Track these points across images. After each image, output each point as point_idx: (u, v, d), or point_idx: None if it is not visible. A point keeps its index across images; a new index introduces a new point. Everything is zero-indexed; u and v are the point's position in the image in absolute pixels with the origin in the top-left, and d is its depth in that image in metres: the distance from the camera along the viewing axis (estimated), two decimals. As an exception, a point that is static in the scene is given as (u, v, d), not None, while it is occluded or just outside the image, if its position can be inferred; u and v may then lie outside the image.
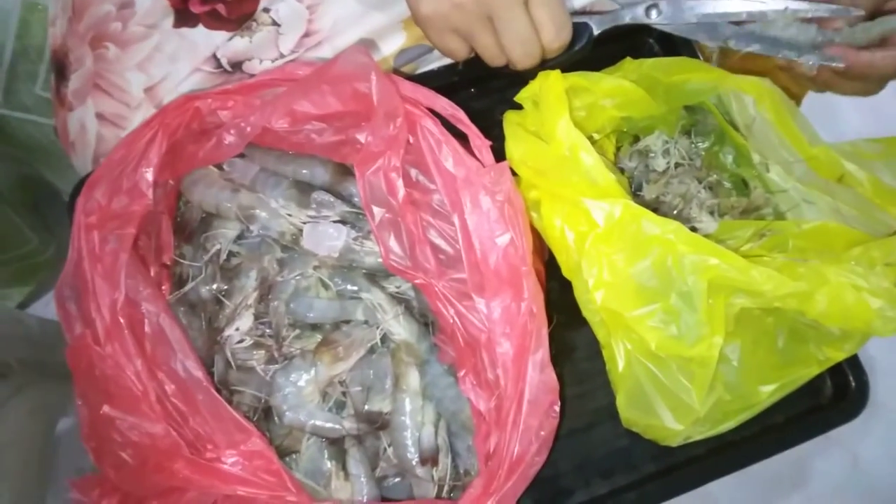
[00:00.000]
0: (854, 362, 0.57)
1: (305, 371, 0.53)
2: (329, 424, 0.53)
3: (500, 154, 0.52)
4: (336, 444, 0.53)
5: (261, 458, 0.47)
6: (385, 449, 0.53)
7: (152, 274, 0.55)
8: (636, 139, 0.62)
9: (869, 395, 0.57)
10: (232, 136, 0.53)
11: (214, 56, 0.62)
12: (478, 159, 0.50)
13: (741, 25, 0.55)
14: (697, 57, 0.63)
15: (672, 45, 0.65)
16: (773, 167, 0.57)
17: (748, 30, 0.54)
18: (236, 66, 0.63)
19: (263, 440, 0.48)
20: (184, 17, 0.63)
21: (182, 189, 0.57)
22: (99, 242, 0.49)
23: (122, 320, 0.47)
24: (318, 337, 0.54)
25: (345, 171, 0.56)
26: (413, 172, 0.52)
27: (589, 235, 0.48)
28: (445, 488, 0.52)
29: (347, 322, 0.54)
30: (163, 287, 0.57)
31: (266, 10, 0.63)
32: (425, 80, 0.59)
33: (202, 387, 0.48)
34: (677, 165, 0.60)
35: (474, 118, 0.51)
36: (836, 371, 0.57)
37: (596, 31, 0.56)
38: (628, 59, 0.58)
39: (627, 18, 0.56)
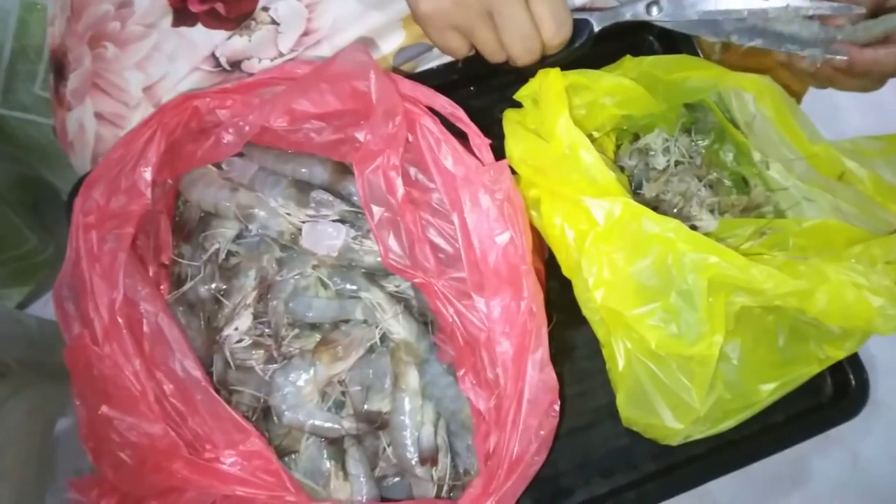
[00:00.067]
0: (854, 361, 0.57)
1: (304, 371, 0.52)
2: (328, 424, 0.52)
3: (499, 152, 0.52)
4: (335, 444, 0.53)
5: (260, 458, 0.47)
6: (384, 448, 0.53)
7: (151, 273, 0.55)
8: (636, 137, 0.62)
9: (869, 393, 0.57)
10: (230, 135, 0.53)
11: (213, 55, 0.62)
12: (477, 158, 0.50)
13: (743, 21, 0.54)
14: (697, 54, 0.63)
15: (672, 42, 0.65)
16: (774, 165, 0.57)
17: (750, 24, 0.54)
18: (235, 65, 0.62)
19: (262, 440, 0.48)
20: (182, 16, 0.63)
21: (181, 188, 0.57)
22: (97, 242, 0.49)
23: (120, 320, 0.47)
24: (318, 336, 0.54)
25: (344, 170, 0.56)
26: (412, 171, 0.52)
27: (589, 234, 0.48)
28: (445, 488, 0.52)
29: (346, 321, 0.54)
30: (161, 287, 0.56)
31: (265, 9, 0.62)
32: (424, 78, 0.59)
33: (201, 386, 0.48)
34: (677, 163, 0.60)
35: (474, 116, 0.51)
36: (837, 369, 0.57)
37: (596, 28, 0.55)
38: (628, 56, 0.58)
39: (628, 15, 0.56)
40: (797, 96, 0.71)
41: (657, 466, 0.56)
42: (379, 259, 0.51)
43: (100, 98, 0.64)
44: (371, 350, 0.54)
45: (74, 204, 0.50)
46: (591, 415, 0.57)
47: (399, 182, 0.49)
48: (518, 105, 0.55)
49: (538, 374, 0.46)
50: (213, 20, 0.63)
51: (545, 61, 0.54)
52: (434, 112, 0.51)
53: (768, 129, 0.56)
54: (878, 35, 0.52)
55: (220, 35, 0.62)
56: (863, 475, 1.21)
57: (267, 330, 0.55)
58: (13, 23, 0.78)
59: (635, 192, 0.59)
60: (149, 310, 0.49)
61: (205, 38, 0.62)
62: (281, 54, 0.63)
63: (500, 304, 0.47)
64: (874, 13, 0.53)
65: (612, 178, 0.49)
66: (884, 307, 0.46)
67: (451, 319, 0.49)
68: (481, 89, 0.65)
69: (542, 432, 0.46)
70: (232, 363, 0.54)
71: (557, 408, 0.47)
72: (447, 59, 0.64)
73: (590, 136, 0.55)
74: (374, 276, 0.55)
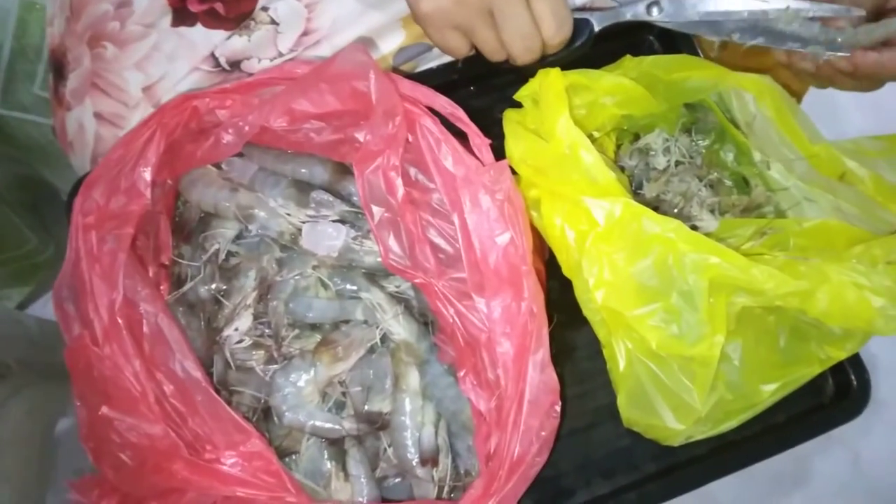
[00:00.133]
0: (856, 361, 0.57)
1: (305, 371, 0.52)
2: (329, 425, 0.52)
3: (499, 152, 0.52)
4: (336, 445, 0.53)
5: (260, 458, 0.47)
6: (385, 449, 0.53)
7: (151, 274, 0.55)
8: (636, 137, 0.61)
9: (871, 393, 0.57)
10: (230, 135, 0.53)
11: (213, 55, 0.62)
12: (477, 158, 0.50)
13: (744, 20, 0.54)
14: (698, 54, 0.63)
15: (672, 42, 0.65)
16: (774, 165, 0.57)
17: (752, 23, 0.54)
18: (235, 65, 0.62)
19: (263, 441, 0.48)
20: (182, 16, 0.63)
21: (180, 189, 0.57)
22: (97, 242, 0.49)
23: (120, 321, 0.47)
24: (318, 337, 0.54)
25: (344, 171, 0.56)
26: (412, 171, 0.52)
27: (589, 234, 0.48)
28: (446, 489, 0.52)
29: (347, 322, 0.54)
30: (161, 287, 0.56)
31: (264, 9, 0.62)
32: (424, 78, 0.59)
33: (201, 387, 0.48)
34: (678, 163, 0.60)
35: (474, 116, 0.51)
36: (838, 370, 0.57)
37: (597, 28, 0.55)
38: (628, 56, 0.58)
39: (629, 15, 0.56)
40: (798, 96, 0.70)
41: (658, 467, 0.56)
42: (379, 259, 0.51)
43: (99, 98, 0.64)
44: (371, 350, 0.54)
45: (74, 204, 0.50)
46: (592, 415, 0.57)
47: (399, 182, 0.48)
48: (518, 105, 0.55)
49: (539, 375, 0.46)
50: (213, 20, 0.63)
51: (545, 61, 0.54)
52: (434, 112, 0.51)
53: (769, 129, 0.56)
54: (880, 38, 0.51)
55: (219, 35, 0.62)
56: (864, 475, 1.21)
57: (267, 330, 0.55)
58: (12, 23, 0.78)
59: (636, 192, 0.59)
60: (149, 310, 0.49)
61: (204, 38, 0.62)
62: (280, 54, 0.62)
63: (500, 304, 0.47)
64: (875, 15, 0.53)
65: (612, 179, 0.49)
66: (885, 308, 0.45)
67: (451, 320, 0.49)
68: (481, 89, 0.65)
69: (543, 433, 0.46)
70: (232, 364, 0.54)
71: (558, 409, 0.47)
72: (447, 58, 0.64)
73: (590, 136, 0.55)
74: (375, 276, 0.55)
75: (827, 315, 0.46)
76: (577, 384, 0.57)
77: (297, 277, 0.54)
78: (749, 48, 0.55)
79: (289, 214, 0.54)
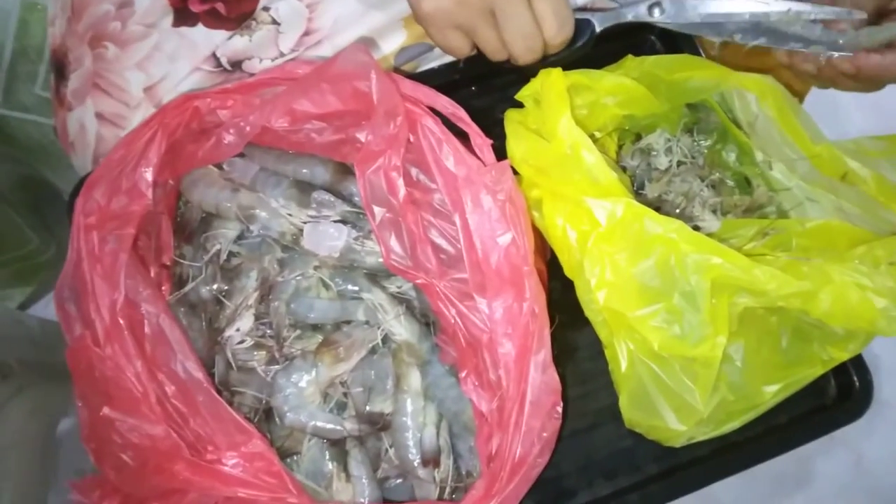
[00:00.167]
0: (858, 362, 0.57)
1: (306, 372, 0.52)
2: (330, 425, 0.52)
3: (501, 153, 0.52)
4: (337, 446, 0.53)
5: (262, 459, 0.47)
6: (386, 450, 0.53)
7: (152, 274, 0.55)
8: (638, 137, 0.61)
9: (873, 394, 0.57)
10: (231, 135, 0.53)
11: (214, 55, 0.62)
12: (479, 158, 0.50)
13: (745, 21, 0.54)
14: (700, 54, 0.63)
15: (674, 42, 0.65)
16: (776, 165, 0.57)
17: (754, 24, 0.54)
18: (236, 65, 0.62)
19: (264, 441, 0.47)
20: (183, 16, 0.63)
21: (182, 189, 0.57)
22: (98, 243, 0.49)
23: (121, 321, 0.47)
24: (319, 337, 0.54)
25: (345, 171, 0.55)
26: (414, 171, 0.52)
27: (591, 235, 0.48)
28: (447, 490, 0.52)
29: (348, 322, 0.54)
30: (163, 287, 0.56)
31: (266, 9, 0.62)
32: (426, 78, 0.59)
33: (202, 388, 0.48)
34: (680, 164, 0.60)
35: (475, 116, 0.51)
36: (841, 371, 0.57)
37: (598, 29, 0.55)
38: (630, 56, 0.58)
39: (630, 16, 0.56)
40: (800, 96, 0.70)
41: (660, 468, 0.56)
42: (380, 260, 0.51)
43: (101, 98, 0.64)
44: (373, 351, 0.54)
45: (75, 205, 0.50)
46: (593, 416, 0.57)
47: (400, 182, 0.48)
48: (520, 105, 0.55)
49: (541, 376, 0.46)
50: (214, 20, 0.63)
51: (546, 61, 0.54)
52: (435, 112, 0.51)
53: (771, 129, 0.56)
54: (882, 42, 0.51)
55: (220, 35, 0.62)
56: (866, 476, 1.21)
57: (268, 331, 0.55)
58: (14, 23, 0.78)
59: (637, 192, 0.59)
60: (150, 311, 0.49)
61: (205, 38, 0.62)
62: (282, 54, 0.62)
63: (502, 305, 0.47)
64: (877, 16, 0.53)
65: (614, 179, 0.49)
66: (887, 308, 0.45)
67: (452, 320, 0.49)
68: (483, 89, 0.65)
69: (544, 434, 0.46)
70: (233, 364, 0.54)
71: (560, 409, 0.46)
72: (448, 58, 0.64)
73: (592, 137, 0.54)
74: (376, 276, 0.55)
75: (829, 316, 0.46)
76: (578, 385, 0.57)
77: (298, 278, 0.54)
78: (751, 48, 0.54)
79: (290, 215, 0.54)
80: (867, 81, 0.54)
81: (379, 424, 0.52)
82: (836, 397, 0.58)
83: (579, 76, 0.54)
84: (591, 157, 0.49)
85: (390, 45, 0.64)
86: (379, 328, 0.53)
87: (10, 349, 0.79)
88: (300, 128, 0.53)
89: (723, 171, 0.59)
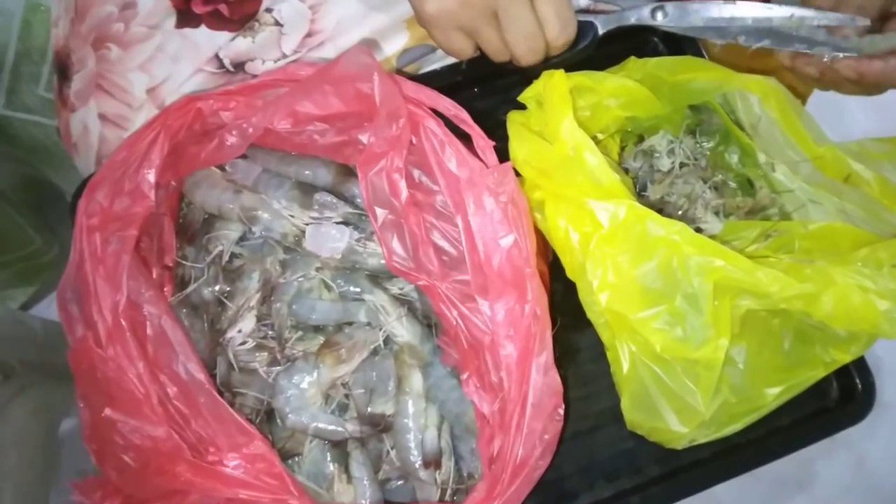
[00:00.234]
0: (860, 364, 0.57)
1: (308, 373, 0.52)
2: (332, 427, 0.52)
3: (503, 154, 0.52)
4: (339, 447, 0.53)
5: (263, 460, 0.47)
6: (388, 451, 0.53)
7: (154, 276, 0.55)
8: (641, 139, 0.61)
9: (875, 397, 0.57)
10: (234, 137, 0.53)
11: (217, 56, 0.62)
12: (481, 160, 0.50)
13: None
14: (702, 56, 0.63)
15: (677, 43, 0.65)
16: (779, 167, 0.57)
17: (757, 28, 0.54)
18: (239, 66, 0.62)
19: (266, 443, 0.48)
20: (186, 18, 0.63)
21: (184, 190, 0.57)
22: (101, 244, 0.49)
23: (123, 322, 0.47)
24: (321, 339, 0.54)
25: (347, 172, 0.56)
26: (416, 173, 0.52)
27: (593, 236, 0.48)
28: (448, 491, 0.52)
29: (350, 324, 0.54)
30: (165, 289, 0.56)
31: (268, 11, 0.62)
32: (428, 80, 0.59)
33: (204, 389, 0.48)
34: (682, 165, 0.60)
35: (477, 118, 0.51)
36: (843, 373, 0.57)
37: (601, 31, 0.55)
38: (632, 58, 0.58)
39: (633, 19, 0.55)
40: (802, 98, 0.70)
41: (662, 470, 0.56)
42: (382, 261, 0.51)
43: (103, 99, 0.64)
44: (374, 352, 0.54)
45: (78, 206, 0.50)
46: (595, 418, 0.57)
47: (402, 184, 0.48)
48: (522, 107, 0.55)
49: (542, 378, 0.46)
50: (217, 21, 0.63)
51: (549, 62, 0.54)
52: (438, 114, 0.51)
53: (774, 131, 0.56)
54: (884, 51, 0.51)
55: (223, 36, 0.62)
56: (868, 477, 1.21)
57: (270, 332, 0.55)
58: (17, 24, 0.78)
59: (640, 193, 0.59)
60: (152, 312, 0.49)
61: (208, 40, 0.62)
62: (284, 55, 0.62)
63: (504, 306, 0.47)
64: (881, 19, 0.53)
65: (616, 181, 0.49)
66: (890, 311, 0.45)
67: (454, 322, 0.49)
68: (485, 91, 0.65)
69: (546, 436, 0.46)
70: (235, 365, 0.54)
71: (562, 412, 0.46)
72: (451, 60, 0.64)
73: (594, 138, 0.54)
74: (378, 278, 0.55)
75: (832, 318, 0.46)
76: (580, 387, 0.57)
77: (300, 279, 0.54)
78: (755, 50, 0.54)
79: (292, 216, 0.54)
80: (869, 86, 0.54)
81: (380, 426, 0.52)
82: (839, 399, 0.58)
83: (582, 78, 0.54)
84: (593, 158, 0.49)
85: (393, 47, 0.64)
86: (381, 330, 0.53)
87: (13, 349, 0.79)
88: (303, 129, 0.53)
89: (725, 173, 0.59)
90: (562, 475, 0.55)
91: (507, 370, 0.46)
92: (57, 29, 0.68)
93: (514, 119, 0.55)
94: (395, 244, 0.49)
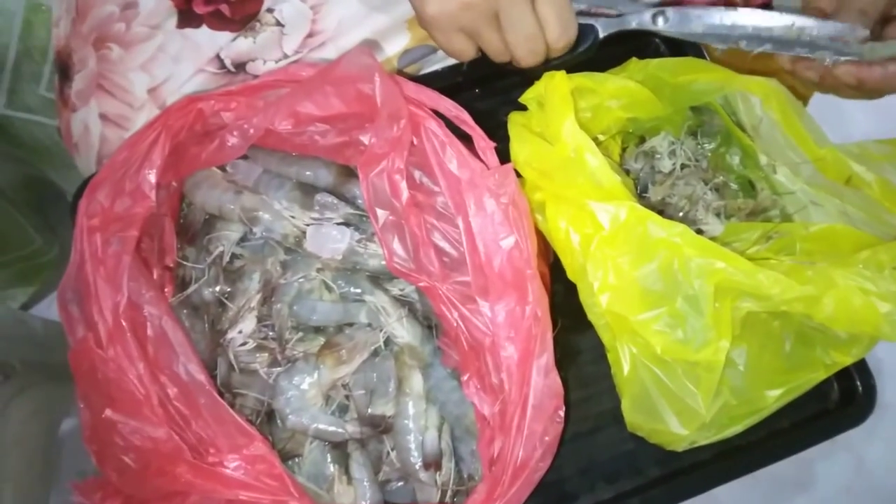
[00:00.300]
0: (861, 366, 0.57)
1: (308, 374, 0.52)
2: (332, 428, 0.52)
3: (504, 156, 0.52)
4: (339, 448, 0.53)
5: (263, 462, 0.47)
6: (388, 453, 0.53)
7: (155, 276, 0.55)
8: (642, 140, 0.61)
9: (876, 399, 0.57)
10: (235, 137, 0.53)
11: (218, 57, 0.62)
12: (482, 161, 0.50)
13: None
14: (704, 57, 0.63)
15: (678, 45, 0.64)
16: (780, 168, 0.57)
17: (758, 36, 0.54)
18: (240, 66, 0.62)
19: (266, 444, 0.47)
20: (187, 18, 0.63)
21: (185, 191, 0.57)
22: (101, 245, 0.49)
23: (124, 323, 0.47)
24: (322, 340, 0.54)
25: (348, 173, 0.55)
26: (417, 174, 0.52)
27: (594, 238, 0.48)
28: (449, 493, 0.52)
29: (351, 325, 0.54)
30: (165, 289, 0.56)
31: (270, 11, 0.62)
32: (429, 80, 0.59)
33: (204, 390, 0.48)
34: (683, 167, 0.59)
35: (478, 119, 0.50)
36: (844, 375, 0.56)
37: (602, 35, 0.55)
38: (634, 59, 0.58)
39: (634, 24, 0.56)
40: (804, 99, 0.70)
41: (662, 472, 0.55)
42: (383, 262, 0.51)
43: (104, 99, 0.64)
44: (375, 353, 0.53)
45: (79, 206, 0.50)
46: (595, 420, 0.57)
47: (403, 185, 0.48)
48: (523, 108, 0.55)
49: (543, 380, 0.46)
50: (218, 22, 0.63)
51: (549, 64, 0.54)
52: (439, 115, 0.51)
53: (775, 133, 0.56)
54: (884, 58, 0.51)
55: (224, 37, 0.62)
56: (868, 479, 1.21)
57: (271, 333, 0.55)
58: (18, 24, 0.78)
59: (641, 195, 0.59)
60: (153, 313, 0.49)
61: (209, 40, 0.62)
62: (286, 56, 0.62)
63: (504, 308, 0.47)
64: (882, 21, 0.53)
65: (617, 182, 0.49)
66: (891, 313, 0.45)
67: (455, 323, 0.49)
68: (486, 92, 0.65)
69: (546, 438, 0.46)
70: (236, 366, 0.54)
71: (562, 413, 0.46)
72: (452, 61, 0.64)
73: (595, 140, 0.54)
74: (379, 279, 0.55)
75: (833, 320, 0.46)
76: (581, 388, 0.57)
77: (301, 280, 0.54)
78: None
79: (293, 217, 0.54)
80: (869, 92, 0.54)
81: (381, 427, 0.52)
82: (839, 401, 0.58)
83: (583, 79, 0.54)
84: (594, 160, 0.49)
85: (394, 48, 0.64)
86: (381, 331, 0.53)
87: (13, 349, 0.79)
88: (304, 130, 0.53)
89: (726, 175, 0.59)
90: (562, 477, 0.55)
91: (508, 372, 0.46)
92: (58, 29, 0.68)
93: (515, 120, 0.54)
94: (396, 245, 0.49)
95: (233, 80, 0.62)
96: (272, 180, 0.56)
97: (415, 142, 0.50)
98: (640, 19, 0.55)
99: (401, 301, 0.54)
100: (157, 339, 0.49)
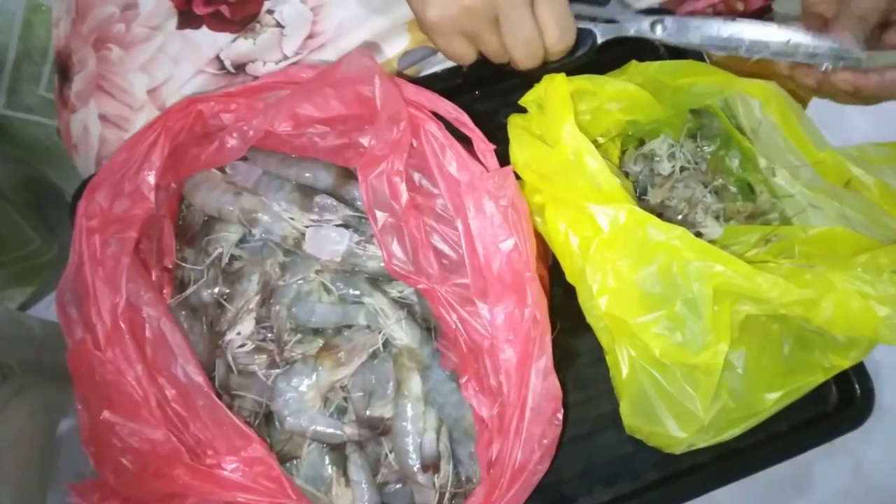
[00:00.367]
0: (860, 370, 0.57)
1: (307, 376, 0.52)
2: (330, 430, 0.52)
3: (504, 158, 0.52)
4: (337, 450, 0.53)
5: (261, 464, 0.47)
6: (386, 455, 0.53)
7: (154, 278, 0.55)
8: (641, 143, 0.61)
9: (874, 402, 0.57)
10: (234, 139, 0.53)
11: (218, 58, 0.62)
12: (482, 163, 0.50)
13: None
14: (704, 60, 0.63)
15: (678, 48, 0.64)
16: (780, 171, 0.57)
17: (756, 45, 0.54)
18: (240, 67, 0.62)
19: (264, 446, 0.47)
20: (187, 19, 0.63)
21: (184, 192, 0.57)
22: (100, 246, 0.49)
23: (122, 325, 0.47)
24: (320, 341, 0.54)
25: (348, 175, 0.55)
26: (416, 176, 0.52)
27: (593, 241, 0.48)
28: (447, 495, 0.51)
29: (349, 327, 0.54)
30: (164, 291, 0.56)
31: (270, 12, 0.62)
32: (429, 82, 0.59)
33: (203, 392, 0.48)
34: (683, 169, 0.60)
35: (478, 121, 0.50)
36: (842, 378, 0.56)
37: (600, 40, 0.55)
38: (634, 62, 0.58)
39: (632, 31, 0.56)
40: (803, 102, 0.70)
41: (660, 475, 0.56)
42: (382, 264, 0.51)
43: (104, 100, 0.64)
44: (374, 356, 0.53)
45: (78, 207, 0.50)
46: (594, 422, 0.57)
47: (403, 187, 0.48)
48: (523, 110, 0.55)
49: (541, 382, 0.46)
50: (218, 23, 0.63)
51: (547, 67, 0.54)
52: (438, 117, 0.51)
53: (774, 136, 0.56)
54: (881, 66, 0.51)
55: (224, 38, 0.62)
56: (866, 481, 1.21)
57: (269, 335, 0.55)
58: (18, 24, 0.78)
59: (640, 197, 0.59)
60: (151, 314, 0.49)
61: (209, 41, 0.62)
62: (285, 57, 0.62)
63: (503, 310, 0.47)
64: (881, 25, 0.53)
65: (616, 185, 0.49)
66: (889, 316, 0.45)
67: (454, 326, 0.49)
68: (486, 94, 0.65)
69: (545, 441, 0.46)
70: (234, 368, 0.54)
71: (561, 416, 0.46)
72: (451, 63, 0.64)
73: (595, 142, 0.54)
74: (378, 281, 0.55)
75: (831, 324, 0.46)
76: (579, 391, 0.57)
77: (299, 282, 0.54)
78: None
79: (292, 219, 0.54)
80: (866, 98, 0.54)
81: (379, 429, 0.52)
82: (838, 404, 0.58)
83: (583, 81, 0.54)
84: (594, 162, 0.49)
85: (393, 49, 0.64)
86: (380, 333, 0.53)
87: (11, 350, 0.79)
88: (303, 132, 0.53)
89: (726, 178, 0.59)
90: (560, 479, 0.55)
91: (507, 374, 0.46)
92: (58, 29, 0.68)
93: (514, 122, 0.55)
94: (395, 247, 0.49)
95: (232, 81, 0.62)
96: (271, 182, 0.56)
97: (414, 144, 0.50)
98: (639, 27, 0.55)
99: (400, 303, 0.54)
100: (155, 340, 0.49)
